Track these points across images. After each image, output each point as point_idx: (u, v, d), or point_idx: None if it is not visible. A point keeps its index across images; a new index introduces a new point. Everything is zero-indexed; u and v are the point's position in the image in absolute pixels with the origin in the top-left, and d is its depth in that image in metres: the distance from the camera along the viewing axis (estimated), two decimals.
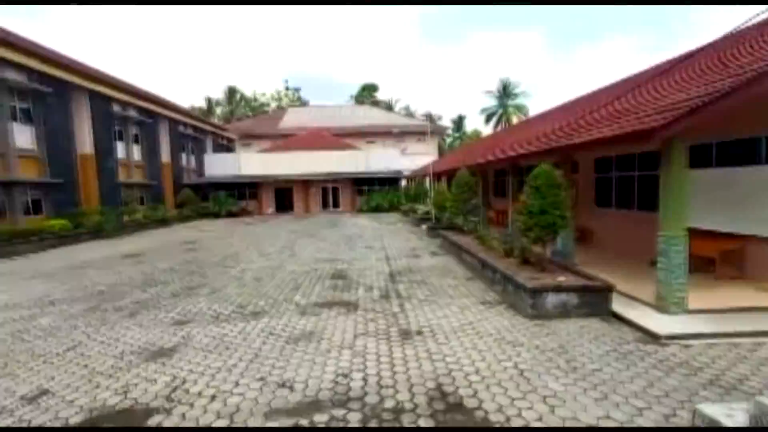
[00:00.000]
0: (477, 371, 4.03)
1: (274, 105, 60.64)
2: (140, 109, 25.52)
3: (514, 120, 46.65)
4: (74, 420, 3.39)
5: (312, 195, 31.15)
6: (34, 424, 3.35)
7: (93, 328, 5.77)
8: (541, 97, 78.00)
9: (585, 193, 10.85)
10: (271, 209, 30.93)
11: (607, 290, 5.57)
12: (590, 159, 10.81)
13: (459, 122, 61.81)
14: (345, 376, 4.02)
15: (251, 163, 30.88)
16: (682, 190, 5.18)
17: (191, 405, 3.56)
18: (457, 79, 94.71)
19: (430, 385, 3.80)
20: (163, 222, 22.79)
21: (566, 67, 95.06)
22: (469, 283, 7.65)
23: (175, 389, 3.86)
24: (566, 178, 6.56)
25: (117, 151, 23.21)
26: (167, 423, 3.30)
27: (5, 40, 16.29)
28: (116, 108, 23.13)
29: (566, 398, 3.49)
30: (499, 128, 47.41)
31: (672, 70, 8.82)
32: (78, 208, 18.61)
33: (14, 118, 16.88)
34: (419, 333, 5.16)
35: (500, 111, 49.68)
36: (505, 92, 49.44)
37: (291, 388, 3.81)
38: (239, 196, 30.49)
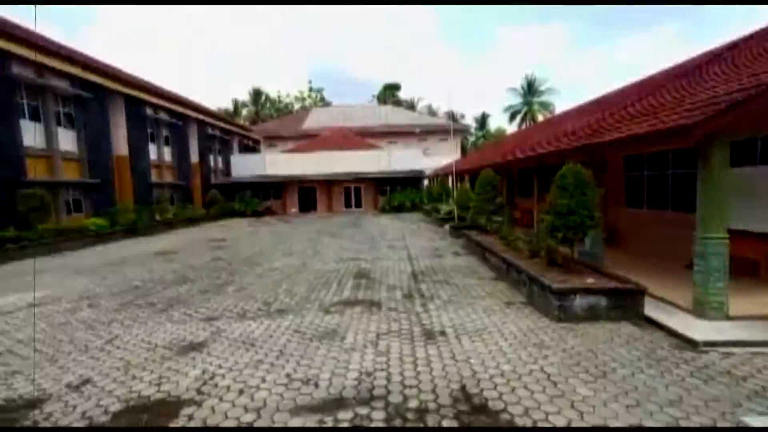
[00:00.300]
0: (502, 374, 3.97)
1: (298, 106, 61.61)
2: (171, 112, 26.49)
3: (540, 118, 45.58)
4: (114, 408, 3.56)
5: (335, 195, 31.46)
6: (79, 410, 3.54)
7: (129, 322, 6.04)
8: (567, 94, 75.86)
9: (614, 192, 10.47)
10: (294, 209, 31.45)
11: (639, 293, 5.37)
12: (620, 157, 10.43)
13: (482, 121, 60.96)
14: (369, 374, 4.05)
15: (275, 163, 31.51)
16: (722, 190, 4.91)
17: (220, 398, 3.68)
18: (480, 77, 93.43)
19: (455, 386, 3.77)
20: (192, 221, 23.57)
21: (595, 62, 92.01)
22: (493, 284, 7.54)
23: (205, 383, 3.99)
24: (595, 177, 6.35)
25: (150, 152, 24.19)
26: (198, 415, 3.42)
27: (53, 50, 17.29)
28: (149, 111, 24.10)
29: (596, 404, 3.39)
30: (523, 126, 46.46)
31: (712, 62, 8.39)
32: (114, 208, 19.50)
33: (59, 123, 17.89)
34: (442, 333, 5.13)
35: (525, 109, 48.66)
36: (530, 90, 48.38)
37: (316, 385, 3.86)
38: (264, 196, 31.15)
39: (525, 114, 48.50)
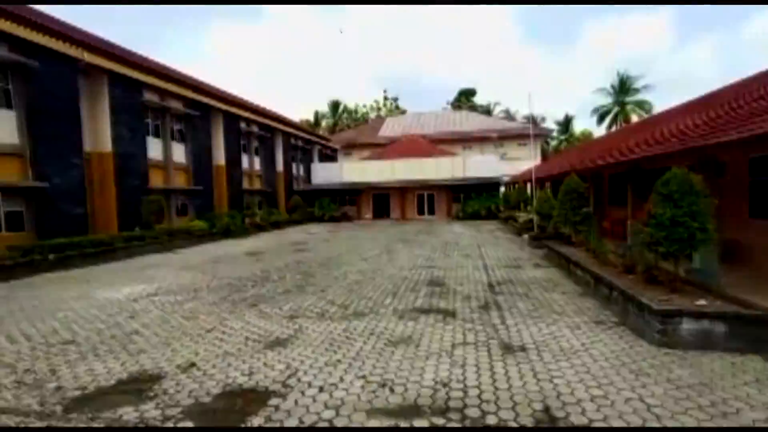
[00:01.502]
0: (592, 398, 3.63)
1: (373, 115, 63.57)
2: (261, 125, 29.13)
3: (634, 118, 41.12)
4: (214, 391, 3.99)
5: (408, 201, 31.72)
6: (187, 389, 4.03)
7: (225, 314, 6.73)
8: (667, 91, 67.32)
9: (734, 200, 9.00)
10: (369, 215, 32.37)
11: None
12: (743, 159, 8.94)
13: (566, 123, 56.84)
14: (444, 385, 3.99)
15: (352, 170, 32.81)
16: None
17: (302, 393, 3.91)
18: (563, 78, 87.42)
19: (537, 406, 3.54)
20: (276, 225, 25.52)
21: (699, 55, 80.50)
22: (580, 300, 6.95)
23: (289, 376, 4.28)
24: (707, 184, 5.54)
25: (242, 162, 26.86)
26: (283, 406, 3.68)
27: (171, 76, 20.25)
28: (243, 125, 26.80)
29: None
30: (613, 128, 42.32)
31: None
32: (213, 212, 22.00)
33: (173, 138, 20.80)
34: (522, 349, 4.86)
35: (616, 109, 44.30)
36: (622, 88, 43.88)
37: (391, 390, 3.92)
38: (341, 202, 32.61)
39: (616, 115, 44.14)
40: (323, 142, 42.74)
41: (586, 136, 51.98)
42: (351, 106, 64.68)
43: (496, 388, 3.89)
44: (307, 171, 36.29)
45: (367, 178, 31.69)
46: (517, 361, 4.50)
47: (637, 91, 43.39)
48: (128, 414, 3.61)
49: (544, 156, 44.54)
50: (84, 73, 15.74)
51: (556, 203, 12.29)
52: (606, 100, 45.02)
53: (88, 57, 15.42)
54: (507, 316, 6.16)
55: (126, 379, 4.36)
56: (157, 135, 19.80)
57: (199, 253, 15.04)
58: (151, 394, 3.98)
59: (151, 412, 3.63)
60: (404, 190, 31.32)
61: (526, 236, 15.31)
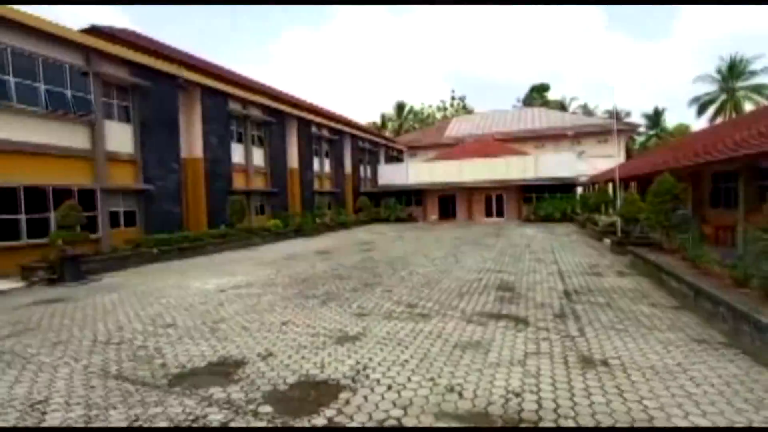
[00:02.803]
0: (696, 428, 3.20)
1: (439, 115, 62.94)
2: (330, 129, 30.41)
3: (748, 107, 35.55)
4: (290, 380, 4.24)
5: (475, 202, 30.87)
6: (266, 377, 4.34)
7: (298, 309, 7.13)
8: None
9: None
10: (434, 216, 32.10)
11: None
12: None
13: (655, 117, 51.00)
14: (517, 395, 3.80)
15: (417, 171, 32.79)
16: None
17: (372, 390, 3.99)
18: (651, 68, 78.47)
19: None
20: (344, 225, 26.42)
21: None
22: (675, 314, 6.17)
23: (358, 372, 4.39)
24: None
25: (314, 164, 28.27)
26: (353, 401, 3.78)
27: (252, 87, 22.09)
28: (314, 129, 28.21)
29: None
30: (719, 119, 37.01)
31: None
32: (287, 212, 23.46)
33: (253, 143, 22.60)
34: (605, 364, 4.45)
35: (723, 97, 38.62)
36: (733, 72, 38.09)
37: (460, 395, 3.83)
38: (406, 203, 32.78)
39: (722, 104, 38.47)
40: (389, 143, 43.32)
41: (682, 130, 46.11)
42: (417, 107, 64.76)
43: (575, 403, 3.61)
44: (374, 172, 37.05)
45: (433, 178, 31.45)
46: (599, 377, 4.13)
47: (753, 74, 37.27)
48: (217, 393, 3.99)
49: (629, 154, 40.44)
50: (182, 88, 17.77)
51: (644, 205, 11.09)
52: (710, 88, 39.56)
53: (186, 74, 17.48)
54: (586, 327, 5.69)
55: (215, 361, 4.82)
56: (239, 141, 21.65)
57: (274, 250, 16.13)
58: (236, 377, 4.35)
59: (236, 394, 3.97)
60: (472, 190, 30.53)
61: (607, 241, 14.03)
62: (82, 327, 6.40)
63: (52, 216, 12.19)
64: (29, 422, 3.60)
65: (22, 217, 11.94)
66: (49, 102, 12.64)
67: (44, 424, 3.55)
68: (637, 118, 50.49)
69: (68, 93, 13.20)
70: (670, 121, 51.29)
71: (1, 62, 11.63)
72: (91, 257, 11.76)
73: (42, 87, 12.53)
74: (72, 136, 13.41)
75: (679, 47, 78.55)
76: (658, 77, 78.47)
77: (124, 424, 3.49)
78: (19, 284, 10.14)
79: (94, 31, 16.26)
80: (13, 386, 4.32)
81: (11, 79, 11.82)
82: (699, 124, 39.94)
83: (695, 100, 40.38)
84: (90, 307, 7.73)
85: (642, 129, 48.22)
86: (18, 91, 11.95)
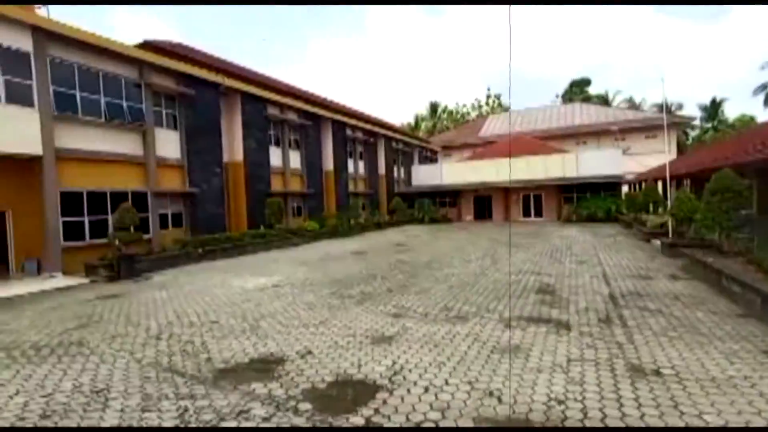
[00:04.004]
0: None
1: (474, 114, 61.83)
2: (364, 131, 30.70)
3: None
4: (328, 379, 4.32)
5: (512, 203, 30.04)
6: (305, 375, 4.45)
7: (335, 308, 7.25)
8: None
9: None
10: (469, 216, 31.55)
11: None
12: None
13: (713, 108, 47.22)
14: (560, 402, 3.66)
15: (452, 172, 32.38)
16: None
17: (408, 391, 3.98)
18: (707, 56, 72.83)
19: None
20: (378, 226, 26.55)
21: None
22: (738, 323, 5.69)
23: (395, 373, 4.40)
24: None
25: (348, 166, 28.66)
26: (391, 402, 3.79)
27: (289, 92, 22.78)
28: (348, 132, 28.60)
29: None
30: None
31: None
32: (322, 213, 23.93)
33: (290, 146, 23.28)
34: (657, 373, 4.18)
35: None
36: None
37: (499, 400, 3.74)
38: (440, 204, 32.45)
39: None
40: (423, 144, 43.09)
41: (746, 122, 42.44)
42: (451, 107, 63.99)
43: (624, 414, 3.42)
44: (408, 173, 36.98)
45: (467, 178, 30.93)
46: (650, 387, 3.89)
47: None
48: (259, 389, 4.13)
49: (681, 149, 37.78)
50: (223, 95, 18.62)
51: (700, 204, 10.33)
52: None
53: (227, 82, 18.30)
54: (635, 334, 5.37)
55: (257, 358, 5.00)
56: (277, 144, 22.34)
57: (310, 250, 16.50)
58: (276, 374, 4.49)
59: (277, 390, 4.10)
60: (508, 190, 29.73)
61: (657, 243, 13.19)
62: (137, 322, 6.86)
63: (110, 218, 13.18)
64: (94, 407, 3.90)
65: (86, 219, 13.01)
66: (108, 113, 13.71)
67: (107, 410, 3.84)
68: (691, 110, 47.10)
69: (124, 104, 14.26)
70: (730, 113, 47.38)
71: (70, 78, 12.79)
72: (144, 256, 12.58)
73: (102, 99, 13.62)
74: (127, 144, 14.45)
75: (742, 28, 72.15)
76: (716, 64, 72.53)
77: (174, 414, 3.70)
78: (84, 280, 11.08)
79: (145, 45, 17.43)
80: (81, 375, 4.71)
81: (78, 94, 12.95)
82: (766, 115, 36.62)
83: (762, 88, 36.92)
84: (143, 303, 8.27)
85: (696, 122, 44.87)
86: (83, 104, 13.09)
